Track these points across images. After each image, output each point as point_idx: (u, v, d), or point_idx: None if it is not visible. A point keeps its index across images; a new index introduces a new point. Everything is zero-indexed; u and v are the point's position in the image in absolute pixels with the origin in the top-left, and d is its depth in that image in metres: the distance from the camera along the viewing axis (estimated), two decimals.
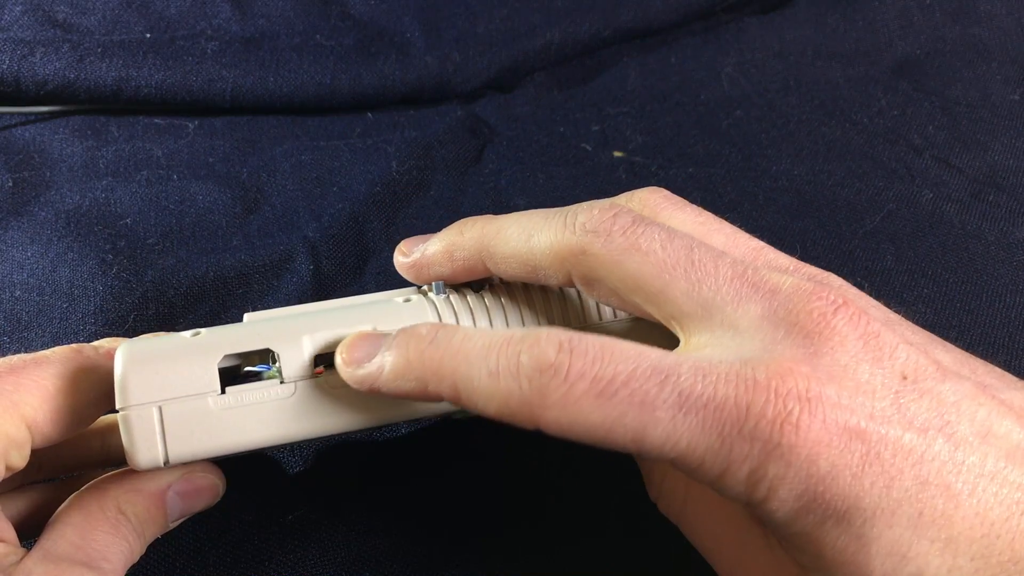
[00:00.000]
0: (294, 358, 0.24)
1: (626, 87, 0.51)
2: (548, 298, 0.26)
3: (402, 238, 0.42)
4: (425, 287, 0.27)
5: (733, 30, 0.54)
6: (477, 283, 0.26)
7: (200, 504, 0.27)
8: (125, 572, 0.25)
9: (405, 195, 0.44)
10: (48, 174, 0.44)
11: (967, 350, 0.24)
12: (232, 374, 0.24)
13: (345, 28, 0.51)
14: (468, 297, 0.26)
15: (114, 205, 0.43)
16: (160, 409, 0.23)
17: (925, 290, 0.39)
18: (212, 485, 0.27)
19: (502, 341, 0.21)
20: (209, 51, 0.48)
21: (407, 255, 0.28)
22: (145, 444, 0.23)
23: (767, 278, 0.22)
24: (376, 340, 0.24)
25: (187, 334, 0.24)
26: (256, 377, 0.24)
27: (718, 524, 0.25)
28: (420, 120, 0.49)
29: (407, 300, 0.26)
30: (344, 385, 0.24)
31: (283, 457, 0.33)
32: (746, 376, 0.20)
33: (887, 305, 0.24)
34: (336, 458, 0.33)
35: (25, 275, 0.39)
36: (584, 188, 0.45)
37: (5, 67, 0.45)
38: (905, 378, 0.21)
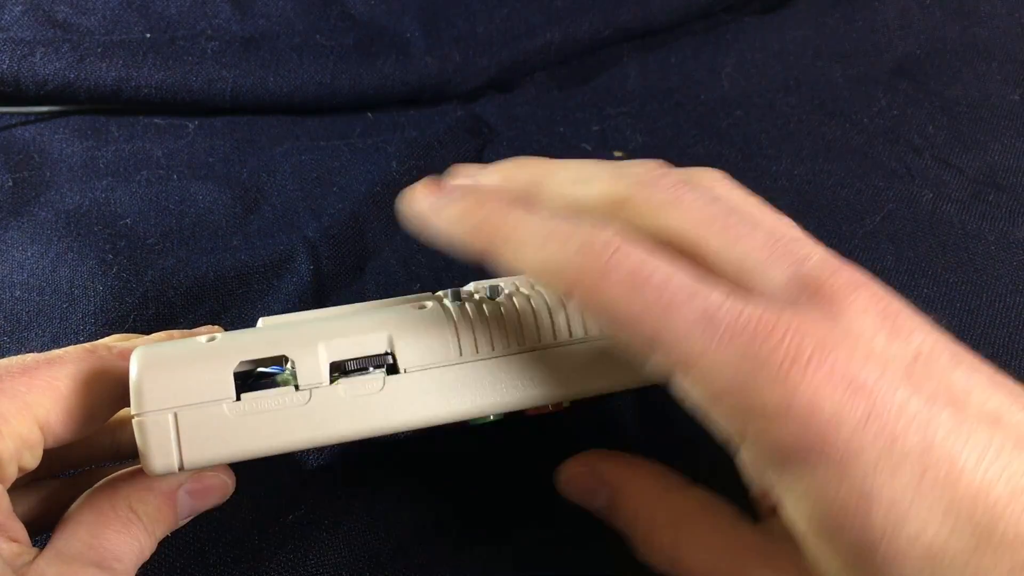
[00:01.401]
0: (310, 365, 0.24)
1: (626, 87, 0.51)
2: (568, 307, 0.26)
3: (402, 238, 0.42)
4: (440, 293, 0.26)
5: (733, 30, 0.54)
6: (493, 290, 0.26)
7: (210, 502, 0.27)
8: (136, 571, 0.25)
9: None
10: (48, 174, 0.44)
11: (968, 350, 0.24)
12: (245, 377, 0.24)
13: (345, 28, 0.51)
14: (484, 305, 0.26)
15: (114, 205, 0.43)
16: (175, 415, 0.23)
17: (925, 290, 0.39)
18: (222, 484, 0.27)
19: (563, 218, 0.23)
20: (209, 51, 0.48)
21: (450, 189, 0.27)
22: (160, 450, 0.23)
23: (799, 248, 0.23)
24: (446, 188, 0.25)
25: (202, 339, 0.24)
26: (269, 379, 0.24)
27: (712, 552, 0.25)
28: (420, 120, 0.49)
29: (422, 307, 0.26)
30: (359, 393, 0.24)
31: (283, 457, 0.33)
32: (769, 315, 0.21)
33: None
34: (337, 458, 0.33)
35: (25, 275, 0.39)
36: None
37: (5, 67, 0.45)
38: (918, 357, 0.21)
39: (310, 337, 0.24)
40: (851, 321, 0.22)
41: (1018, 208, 0.44)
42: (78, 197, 0.43)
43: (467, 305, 0.26)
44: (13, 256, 0.40)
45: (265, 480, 0.32)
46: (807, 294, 0.22)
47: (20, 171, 0.44)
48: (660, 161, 0.25)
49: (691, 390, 0.22)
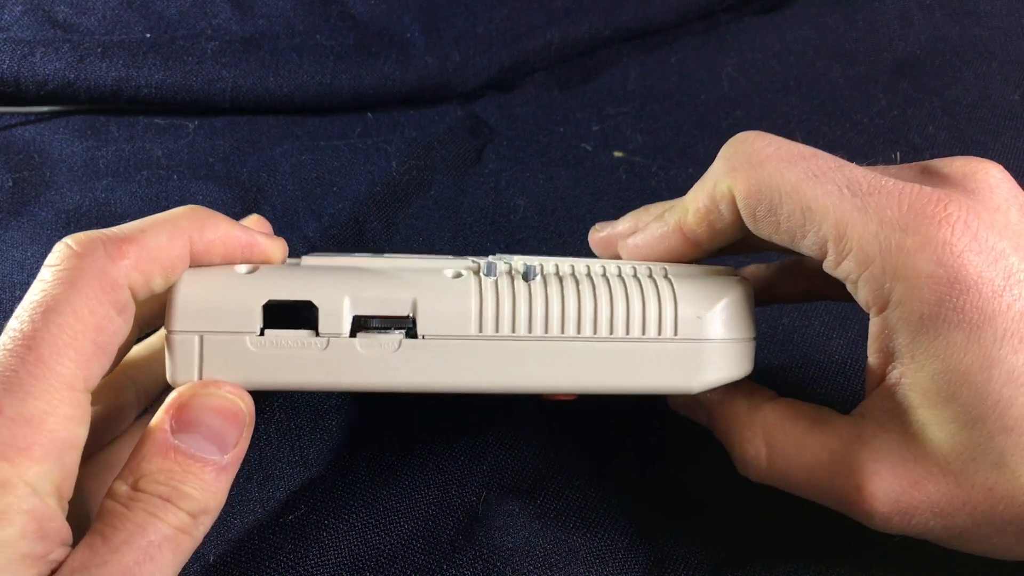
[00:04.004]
0: (333, 315, 0.25)
1: (626, 87, 0.51)
2: (597, 296, 0.26)
3: (402, 238, 0.42)
4: (482, 262, 0.26)
5: (733, 30, 0.54)
6: (529, 270, 0.26)
7: (217, 418, 0.24)
8: (174, 553, 0.22)
9: (405, 195, 0.44)
10: (48, 174, 0.44)
11: None
12: (292, 309, 0.25)
13: (345, 28, 0.51)
14: (515, 282, 0.26)
15: (114, 205, 0.43)
16: (202, 338, 0.24)
17: None
18: (224, 401, 0.24)
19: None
20: (209, 51, 0.48)
21: (599, 230, 0.31)
22: (183, 366, 0.25)
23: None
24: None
25: (243, 269, 0.26)
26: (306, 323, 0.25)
27: (808, 452, 0.25)
28: (420, 120, 0.49)
29: (458, 275, 0.26)
30: (375, 350, 0.25)
31: (283, 457, 0.33)
32: (912, 186, 0.22)
33: None
34: (336, 458, 0.33)
35: (25, 275, 0.39)
36: (584, 188, 0.45)
37: (5, 67, 0.45)
38: None
39: (340, 288, 0.25)
40: (987, 195, 0.23)
41: None
42: (78, 197, 0.43)
43: (499, 282, 0.26)
44: (13, 256, 0.40)
45: (265, 480, 0.32)
46: (940, 176, 0.24)
47: (20, 171, 0.44)
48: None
49: (842, 261, 0.23)
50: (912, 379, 0.23)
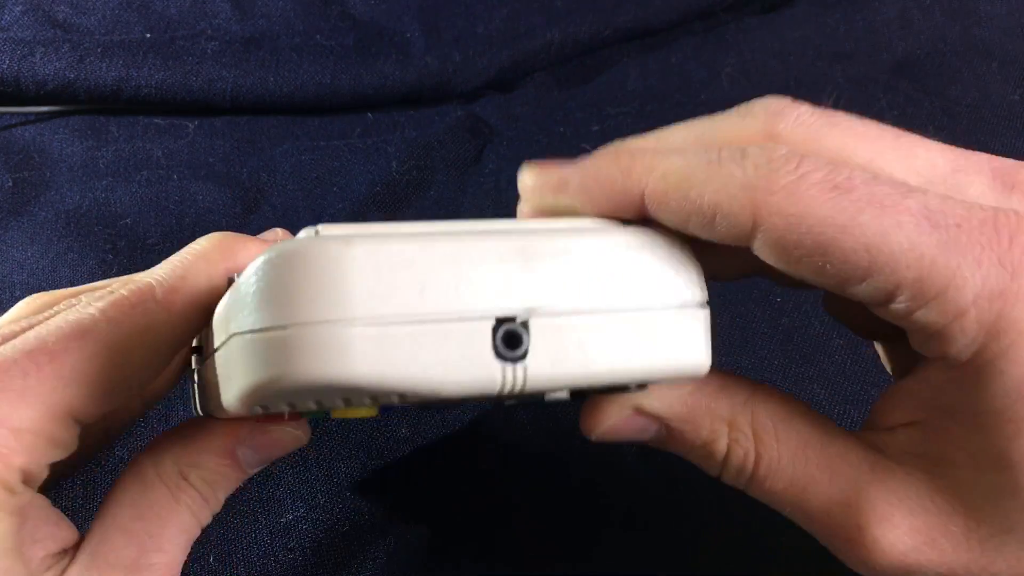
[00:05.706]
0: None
1: (626, 87, 0.51)
2: None
3: None
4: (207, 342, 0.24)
5: (733, 30, 0.54)
6: None
7: (280, 452, 0.25)
8: (186, 549, 0.23)
9: (405, 195, 0.44)
10: (48, 174, 0.44)
11: None
12: None
13: (345, 28, 0.51)
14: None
15: (114, 205, 0.43)
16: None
17: None
18: (294, 439, 0.25)
19: (718, 148, 0.20)
20: (209, 51, 0.48)
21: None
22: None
23: (976, 155, 0.22)
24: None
25: None
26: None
27: (804, 466, 0.21)
28: (420, 120, 0.49)
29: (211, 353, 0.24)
30: (210, 377, 0.23)
31: (283, 457, 0.33)
32: (1007, 214, 0.18)
33: None
34: (335, 458, 0.33)
35: (25, 275, 0.39)
36: None
37: (5, 67, 0.45)
38: None
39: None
40: None
41: None
42: (78, 197, 0.43)
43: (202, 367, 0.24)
44: (13, 256, 0.40)
45: (265, 480, 0.32)
46: (1018, 195, 0.19)
47: (20, 171, 0.44)
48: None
49: (917, 311, 0.18)
50: (966, 439, 0.19)
